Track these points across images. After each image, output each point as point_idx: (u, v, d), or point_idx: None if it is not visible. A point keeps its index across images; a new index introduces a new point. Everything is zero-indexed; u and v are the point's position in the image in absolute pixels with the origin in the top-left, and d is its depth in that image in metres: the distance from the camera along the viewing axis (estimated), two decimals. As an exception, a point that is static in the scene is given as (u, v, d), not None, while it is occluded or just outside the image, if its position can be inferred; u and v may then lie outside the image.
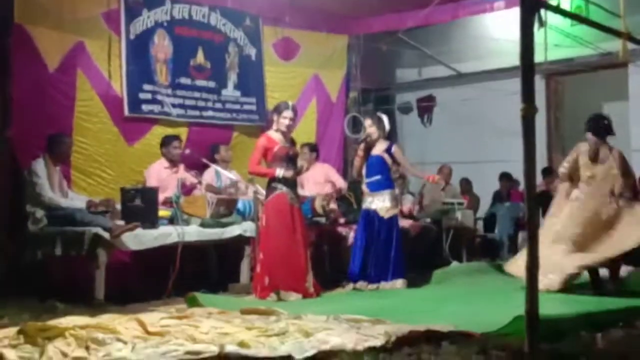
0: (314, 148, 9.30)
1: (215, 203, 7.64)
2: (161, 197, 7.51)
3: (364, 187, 7.95)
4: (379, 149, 7.91)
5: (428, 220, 9.94)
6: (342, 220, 8.85)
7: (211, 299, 6.50)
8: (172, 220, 7.35)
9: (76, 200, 7.15)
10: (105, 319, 4.92)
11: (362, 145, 7.97)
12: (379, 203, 7.80)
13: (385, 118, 8.12)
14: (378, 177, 7.86)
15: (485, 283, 7.95)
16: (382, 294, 7.37)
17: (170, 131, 8.41)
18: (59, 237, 6.77)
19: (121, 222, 6.89)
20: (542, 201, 8.94)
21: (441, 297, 7.06)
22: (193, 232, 7.38)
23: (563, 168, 7.46)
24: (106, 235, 6.70)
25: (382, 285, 7.64)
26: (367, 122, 8.06)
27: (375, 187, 7.85)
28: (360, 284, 7.68)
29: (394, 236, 7.77)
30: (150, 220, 7.04)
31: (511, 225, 10.70)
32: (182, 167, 8.13)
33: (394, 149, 7.97)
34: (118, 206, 7.16)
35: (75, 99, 7.87)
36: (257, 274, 7.16)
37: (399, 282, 7.68)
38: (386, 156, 7.91)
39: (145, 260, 7.39)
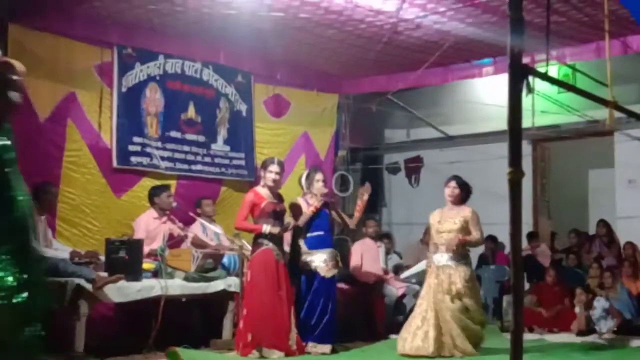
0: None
1: (201, 257, 7.60)
2: (147, 249, 7.47)
3: (302, 244, 7.61)
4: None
5: (414, 281, 9.91)
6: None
7: (192, 354, 6.44)
8: (156, 274, 7.29)
9: (61, 251, 7.10)
10: (85, 371, 4.85)
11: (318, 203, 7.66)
12: (320, 261, 7.53)
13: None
14: (321, 232, 7.68)
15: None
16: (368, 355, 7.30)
17: (158, 184, 8.41)
18: (41, 287, 6.68)
19: (105, 274, 6.84)
20: (526, 265, 8.98)
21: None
22: (177, 286, 7.33)
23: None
24: (89, 286, 6.63)
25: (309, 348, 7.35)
26: (320, 176, 7.74)
27: (316, 245, 7.63)
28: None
29: (332, 297, 7.58)
30: (134, 272, 6.99)
31: (496, 288, 10.67)
32: (168, 217, 8.10)
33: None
34: (102, 258, 7.12)
35: (64, 149, 7.89)
36: (240, 330, 7.09)
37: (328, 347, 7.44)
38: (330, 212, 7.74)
39: (128, 313, 7.31)
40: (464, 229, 7.19)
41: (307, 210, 7.56)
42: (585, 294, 9.08)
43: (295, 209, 7.57)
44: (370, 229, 9.64)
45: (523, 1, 3.08)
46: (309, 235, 7.62)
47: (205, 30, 8.41)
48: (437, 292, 7.01)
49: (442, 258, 7.16)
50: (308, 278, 7.51)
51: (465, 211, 7.25)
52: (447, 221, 7.21)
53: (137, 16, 7.91)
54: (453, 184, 7.35)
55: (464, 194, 7.37)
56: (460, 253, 7.16)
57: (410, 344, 6.91)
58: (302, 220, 7.56)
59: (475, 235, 7.25)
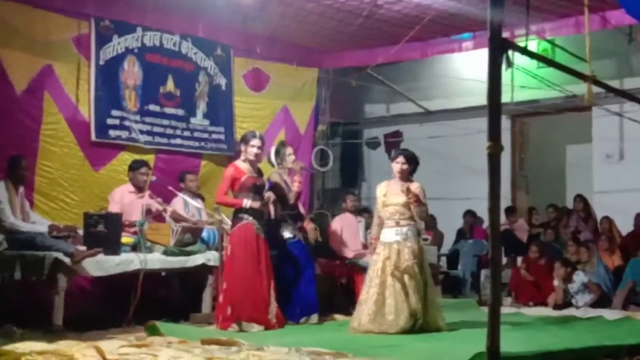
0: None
1: (180, 231, 7.58)
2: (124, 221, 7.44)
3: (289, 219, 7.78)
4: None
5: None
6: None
7: (172, 328, 6.42)
8: (135, 247, 7.27)
9: (39, 224, 7.05)
10: (63, 345, 4.85)
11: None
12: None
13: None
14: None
15: (455, 319, 7.92)
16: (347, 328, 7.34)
17: (137, 158, 8.36)
18: (18, 261, 6.64)
19: (83, 248, 6.81)
20: (504, 240, 9.03)
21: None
22: (156, 260, 7.31)
23: None
24: (67, 260, 6.60)
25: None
26: (290, 150, 7.88)
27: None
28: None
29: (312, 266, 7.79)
30: (112, 246, 6.96)
31: (474, 263, 10.76)
32: (147, 193, 8.05)
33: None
34: (80, 231, 7.08)
35: (41, 122, 7.83)
36: (219, 304, 7.10)
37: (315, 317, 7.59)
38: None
39: (106, 287, 7.31)
40: (410, 204, 7.07)
41: (295, 186, 7.63)
42: (564, 268, 9.17)
43: (277, 188, 7.58)
44: (350, 204, 9.65)
45: (503, -25, 3.08)
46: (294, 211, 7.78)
47: (183, 3, 8.35)
48: (388, 270, 6.83)
49: (389, 233, 7.00)
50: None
51: (412, 186, 7.00)
52: (393, 194, 7.08)
53: (114, -12, 7.83)
54: (401, 159, 7.09)
55: (412, 167, 7.21)
56: (408, 224, 6.98)
57: (370, 324, 6.75)
58: (292, 197, 7.62)
59: (424, 206, 7.14)
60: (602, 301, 8.96)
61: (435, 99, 12.10)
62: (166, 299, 7.95)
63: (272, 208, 7.59)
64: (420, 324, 6.80)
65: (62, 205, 7.93)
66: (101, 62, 8.33)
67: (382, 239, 7.03)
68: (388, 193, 7.08)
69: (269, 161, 7.79)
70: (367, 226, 10.16)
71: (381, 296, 6.83)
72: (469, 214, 11.50)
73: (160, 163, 8.77)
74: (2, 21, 7.46)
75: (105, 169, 8.37)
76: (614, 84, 9.51)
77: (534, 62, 5.18)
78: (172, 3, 8.38)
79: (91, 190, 8.20)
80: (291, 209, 7.77)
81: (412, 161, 7.15)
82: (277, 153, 7.75)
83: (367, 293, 6.92)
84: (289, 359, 4.93)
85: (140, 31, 8.72)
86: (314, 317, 7.54)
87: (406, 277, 6.81)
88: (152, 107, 8.81)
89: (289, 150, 7.81)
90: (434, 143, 11.62)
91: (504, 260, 10.34)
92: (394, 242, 6.92)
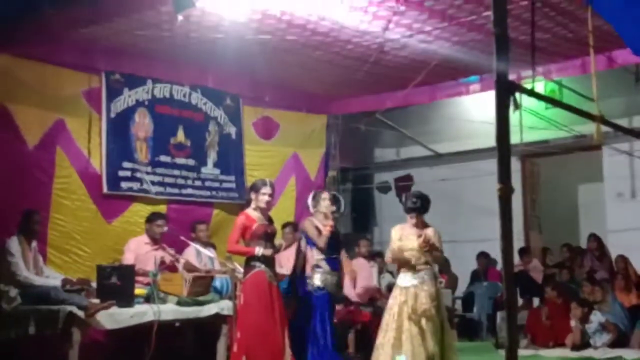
0: (296, 227, 9.33)
1: (191, 281, 7.55)
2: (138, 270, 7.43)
3: (324, 264, 7.57)
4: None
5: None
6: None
7: (187, 379, 6.39)
8: (148, 299, 7.25)
9: (52, 278, 7.06)
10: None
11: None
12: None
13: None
14: (336, 255, 7.73)
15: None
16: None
17: (149, 209, 8.40)
18: (32, 316, 6.64)
19: (96, 301, 6.80)
20: (519, 281, 8.97)
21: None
22: (169, 311, 7.28)
23: None
24: (81, 313, 6.59)
25: None
26: (327, 195, 7.85)
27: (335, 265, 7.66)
28: None
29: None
30: (126, 298, 6.94)
31: (489, 305, 10.67)
32: (160, 245, 8.06)
33: None
34: (94, 284, 7.08)
35: (53, 176, 7.87)
36: (234, 353, 7.04)
37: None
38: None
39: (121, 340, 7.27)
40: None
41: (325, 230, 7.52)
42: (581, 308, 9.09)
43: (310, 230, 7.54)
44: (363, 249, 9.65)
45: (507, 19, 3.11)
46: (332, 256, 7.59)
47: (192, 54, 8.44)
48: (405, 315, 6.76)
49: (406, 277, 6.94)
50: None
51: (429, 231, 6.91)
52: (409, 239, 7.06)
53: (124, 41, 7.92)
54: (413, 214, 7.02)
55: (423, 210, 7.17)
56: (425, 268, 6.93)
57: None
58: (322, 241, 7.51)
59: (439, 251, 7.06)
60: (619, 341, 8.85)
61: (445, 141, 12.13)
62: (180, 350, 7.90)
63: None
64: None
65: (75, 259, 7.94)
66: (112, 115, 8.41)
67: (399, 283, 6.99)
68: (403, 237, 7.05)
69: (306, 207, 7.80)
70: (380, 270, 10.15)
71: (398, 341, 6.76)
72: (483, 256, 11.44)
73: (172, 213, 8.78)
74: (13, 77, 7.56)
75: (117, 221, 8.39)
76: (623, 122, 9.52)
77: (542, 103, 5.22)
78: (182, 55, 8.48)
79: (104, 243, 8.21)
80: (330, 254, 7.60)
81: (423, 203, 7.08)
82: (314, 197, 7.74)
83: (384, 337, 6.85)
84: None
85: (151, 83, 8.81)
86: None
87: (423, 321, 6.75)
88: (163, 158, 8.87)
89: (324, 194, 7.78)
90: (444, 185, 11.62)
91: (520, 301, 10.25)
92: (410, 286, 6.87)
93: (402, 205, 7.34)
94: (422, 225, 7.03)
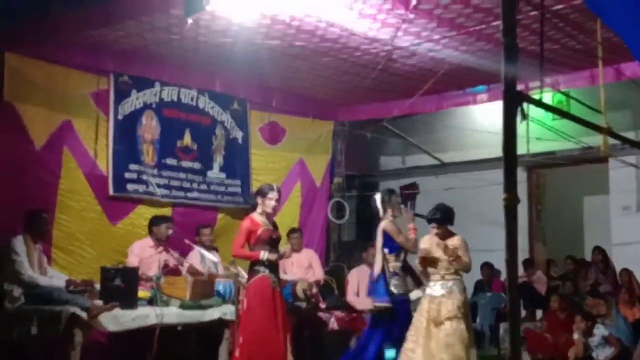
0: (303, 233, 9.36)
1: (192, 285, 7.51)
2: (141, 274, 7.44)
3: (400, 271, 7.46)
4: None
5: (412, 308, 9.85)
6: (323, 306, 8.77)
7: (188, 383, 6.38)
8: (151, 302, 7.25)
9: (56, 279, 7.06)
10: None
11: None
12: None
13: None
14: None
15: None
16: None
17: (154, 211, 8.41)
18: (35, 316, 6.64)
19: (100, 302, 6.80)
20: (523, 292, 8.93)
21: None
22: (172, 315, 7.27)
23: None
24: (84, 315, 6.59)
25: None
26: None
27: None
28: None
29: None
30: (129, 301, 6.94)
31: (493, 316, 10.63)
32: (165, 248, 8.07)
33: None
34: (98, 286, 7.08)
35: (60, 177, 7.89)
36: (236, 359, 7.04)
37: None
38: None
39: (123, 342, 7.26)
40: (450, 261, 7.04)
41: (411, 234, 7.45)
42: (585, 322, 9.04)
43: (394, 233, 7.43)
44: (371, 257, 9.60)
45: (517, 29, 3.11)
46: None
47: (201, 58, 8.45)
48: (428, 324, 6.84)
49: (435, 287, 7.03)
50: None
51: (451, 242, 7.04)
52: (436, 250, 7.12)
53: (133, 44, 7.94)
54: (434, 224, 7.12)
55: (443, 221, 7.24)
56: (453, 279, 7.04)
57: None
58: (412, 245, 7.41)
59: (466, 259, 7.13)
60: (622, 355, 8.80)
61: (451, 151, 12.11)
62: (183, 354, 7.89)
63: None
64: None
65: (79, 260, 7.95)
66: (120, 117, 8.43)
67: (428, 292, 7.07)
68: (431, 248, 7.11)
69: (374, 209, 7.65)
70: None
71: (426, 348, 6.81)
72: (487, 267, 11.40)
73: (178, 217, 8.79)
74: (22, 77, 7.58)
75: (122, 223, 8.40)
76: (630, 135, 9.50)
77: (550, 115, 5.20)
78: (190, 59, 8.49)
79: (108, 245, 8.22)
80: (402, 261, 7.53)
81: (443, 214, 7.14)
82: (384, 201, 7.61)
83: (415, 343, 6.90)
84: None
85: (159, 86, 8.83)
86: None
87: (449, 328, 6.80)
88: (170, 161, 8.88)
89: (394, 197, 7.64)
90: (450, 195, 11.54)
91: (523, 313, 10.21)
92: (439, 295, 6.95)
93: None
94: (446, 235, 7.11)
